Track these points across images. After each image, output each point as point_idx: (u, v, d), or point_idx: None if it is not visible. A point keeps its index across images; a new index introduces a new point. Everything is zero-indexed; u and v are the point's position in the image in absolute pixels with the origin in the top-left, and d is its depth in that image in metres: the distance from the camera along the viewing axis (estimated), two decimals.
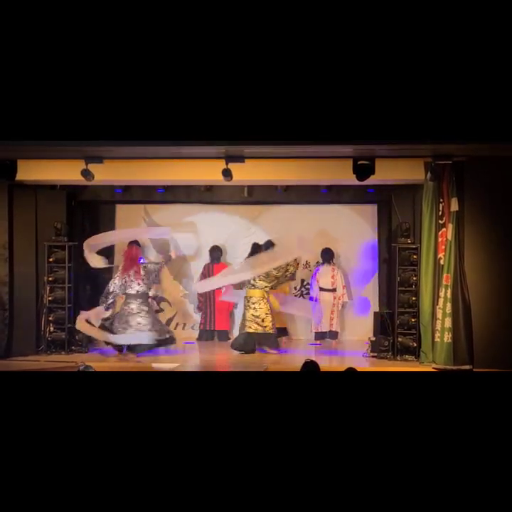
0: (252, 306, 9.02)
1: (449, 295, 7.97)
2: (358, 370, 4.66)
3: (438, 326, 8.06)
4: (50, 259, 9.03)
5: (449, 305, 7.97)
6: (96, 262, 8.74)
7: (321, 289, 9.97)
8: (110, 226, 10.31)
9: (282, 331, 9.82)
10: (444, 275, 8.02)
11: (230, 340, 9.80)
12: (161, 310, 10.30)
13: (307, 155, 7.75)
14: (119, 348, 8.66)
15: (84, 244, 8.72)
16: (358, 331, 10.07)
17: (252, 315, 8.98)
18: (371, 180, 7.79)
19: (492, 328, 7.81)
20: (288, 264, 9.12)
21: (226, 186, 9.26)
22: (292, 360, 8.42)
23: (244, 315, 9.18)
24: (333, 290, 9.99)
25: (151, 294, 9.10)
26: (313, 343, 9.90)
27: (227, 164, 7.53)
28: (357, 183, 7.86)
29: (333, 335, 10.02)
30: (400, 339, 8.62)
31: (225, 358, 8.99)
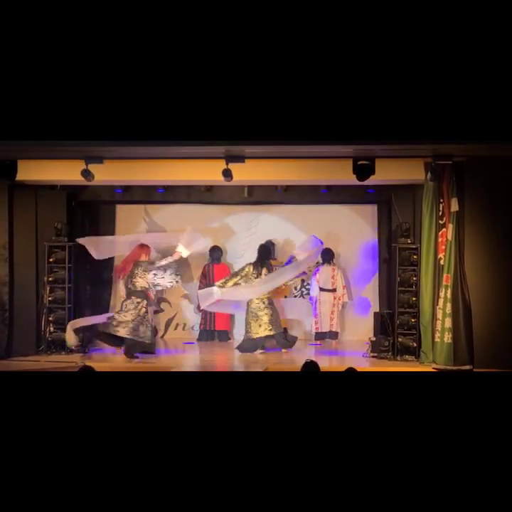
0: (254, 311, 9.01)
1: (449, 295, 7.96)
2: (358, 370, 4.66)
3: (438, 326, 8.06)
4: (50, 260, 9.02)
5: (449, 305, 7.96)
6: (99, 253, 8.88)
7: (321, 289, 9.98)
8: (110, 226, 10.31)
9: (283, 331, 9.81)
10: (444, 275, 8.02)
11: (230, 341, 9.88)
12: (161, 310, 10.29)
13: (307, 155, 7.74)
14: (119, 344, 8.63)
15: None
16: (358, 331, 10.06)
17: (255, 320, 8.96)
18: (371, 181, 7.78)
19: (492, 329, 7.80)
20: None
21: (226, 186, 9.24)
22: (292, 360, 8.43)
23: (247, 321, 9.12)
24: (333, 290, 9.99)
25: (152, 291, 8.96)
26: (313, 343, 9.90)
27: (227, 164, 7.52)
28: (357, 183, 7.85)
29: (333, 335, 10.02)
30: (400, 339, 8.61)
31: (225, 358, 8.99)
